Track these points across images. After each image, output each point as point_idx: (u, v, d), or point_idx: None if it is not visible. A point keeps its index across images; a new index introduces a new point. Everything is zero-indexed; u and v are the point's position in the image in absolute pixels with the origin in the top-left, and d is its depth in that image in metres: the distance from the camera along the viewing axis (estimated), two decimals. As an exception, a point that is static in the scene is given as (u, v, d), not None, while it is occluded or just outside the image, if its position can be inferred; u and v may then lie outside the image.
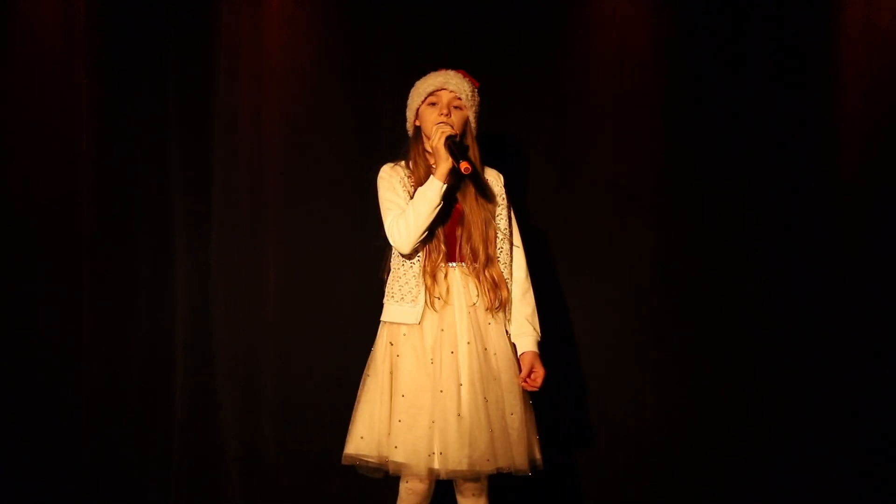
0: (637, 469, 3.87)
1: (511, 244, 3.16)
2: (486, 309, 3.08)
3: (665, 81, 3.88)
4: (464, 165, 2.90)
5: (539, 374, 3.08)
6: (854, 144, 3.87)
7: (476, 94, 3.13)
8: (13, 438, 3.77)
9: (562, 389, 3.87)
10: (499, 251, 3.12)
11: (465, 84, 3.10)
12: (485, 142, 3.21)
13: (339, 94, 3.87)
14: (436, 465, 2.95)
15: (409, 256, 3.08)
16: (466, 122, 3.11)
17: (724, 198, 3.89)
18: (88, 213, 3.85)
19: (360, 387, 3.08)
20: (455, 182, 3.03)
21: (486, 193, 3.12)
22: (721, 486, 3.87)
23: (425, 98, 3.10)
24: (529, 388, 3.08)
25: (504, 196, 3.17)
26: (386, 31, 3.87)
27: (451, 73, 3.12)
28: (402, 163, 3.16)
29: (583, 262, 3.90)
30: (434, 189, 2.99)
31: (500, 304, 3.09)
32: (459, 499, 3.13)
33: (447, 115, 3.06)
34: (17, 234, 3.79)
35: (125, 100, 3.86)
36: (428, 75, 3.14)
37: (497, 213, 3.14)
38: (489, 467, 2.98)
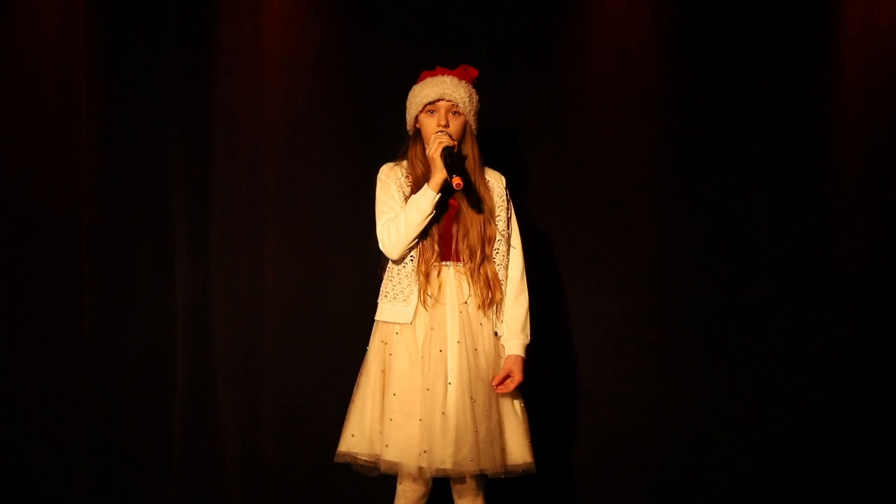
0: (637, 470, 3.87)
1: (509, 245, 3.15)
2: (478, 307, 3.07)
3: (665, 80, 3.88)
4: (455, 181, 2.90)
5: (515, 379, 3.04)
6: (854, 144, 3.87)
7: (474, 94, 3.12)
8: (13, 438, 3.77)
9: (562, 390, 3.88)
10: (495, 252, 3.11)
11: (462, 90, 3.08)
12: (485, 141, 3.21)
13: (339, 94, 3.87)
14: (423, 464, 2.95)
15: (398, 261, 3.08)
16: (465, 125, 3.11)
17: (724, 197, 3.88)
18: (89, 212, 3.85)
19: (355, 385, 3.09)
20: (449, 189, 3.01)
21: (484, 194, 3.11)
22: (722, 488, 3.87)
23: (423, 108, 3.09)
24: (500, 392, 3.04)
25: (505, 197, 3.17)
26: (386, 31, 3.87)
27: (448, 79, 3.09)
28: (403, 162, 3.16)
29: (582, 261, 3.90)
30: (427, 198, 2.99)
31: (491, 301, 3.07)
32: (456, 499, 3.12)
33: (445, 125, 3.05)
34: (17, 234, 3.79)
35: (125, 100, 3.86)
36: (425, 81, 3.12)
37: (497, 213, 3.13)
38: (472, 467, 2.96)
